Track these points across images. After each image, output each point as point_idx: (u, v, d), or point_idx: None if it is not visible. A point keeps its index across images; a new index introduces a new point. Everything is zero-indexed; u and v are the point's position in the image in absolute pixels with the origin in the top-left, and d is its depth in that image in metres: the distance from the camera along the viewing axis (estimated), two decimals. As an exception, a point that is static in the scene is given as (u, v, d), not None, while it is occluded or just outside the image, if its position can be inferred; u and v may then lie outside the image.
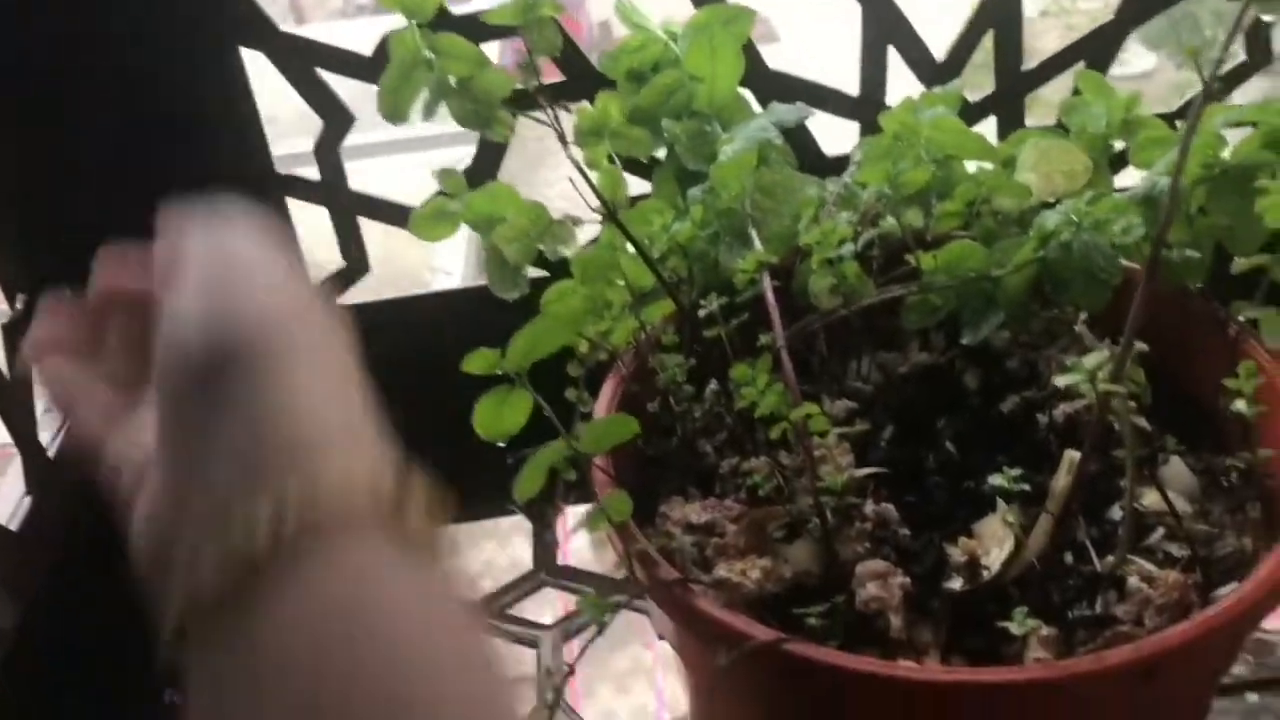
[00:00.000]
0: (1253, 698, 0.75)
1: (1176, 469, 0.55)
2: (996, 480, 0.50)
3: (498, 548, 0.99)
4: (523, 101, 0.56)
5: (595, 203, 0.59)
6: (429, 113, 0.53)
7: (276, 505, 0.33)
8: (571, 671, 0.52)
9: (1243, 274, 0.58)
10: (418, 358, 0.89)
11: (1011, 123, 0.88)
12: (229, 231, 0.40)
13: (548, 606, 0.90)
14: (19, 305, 0.77)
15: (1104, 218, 0.58)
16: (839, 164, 0.85)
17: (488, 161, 0.81)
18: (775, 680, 0.49)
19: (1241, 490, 0.55)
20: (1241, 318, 0.58)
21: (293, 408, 0.35)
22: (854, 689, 0.46)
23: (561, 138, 0.55)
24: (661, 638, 0.58)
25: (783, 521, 0.54)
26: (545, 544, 0.92)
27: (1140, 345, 0.48)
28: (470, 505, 0.97)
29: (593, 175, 0.59)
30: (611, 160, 0.62)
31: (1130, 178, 0.68)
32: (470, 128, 0.55)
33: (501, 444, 0.54)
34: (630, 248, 0.60)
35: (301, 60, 0.77)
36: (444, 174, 0.56)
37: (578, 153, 0.57)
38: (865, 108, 0.85)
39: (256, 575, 0.33)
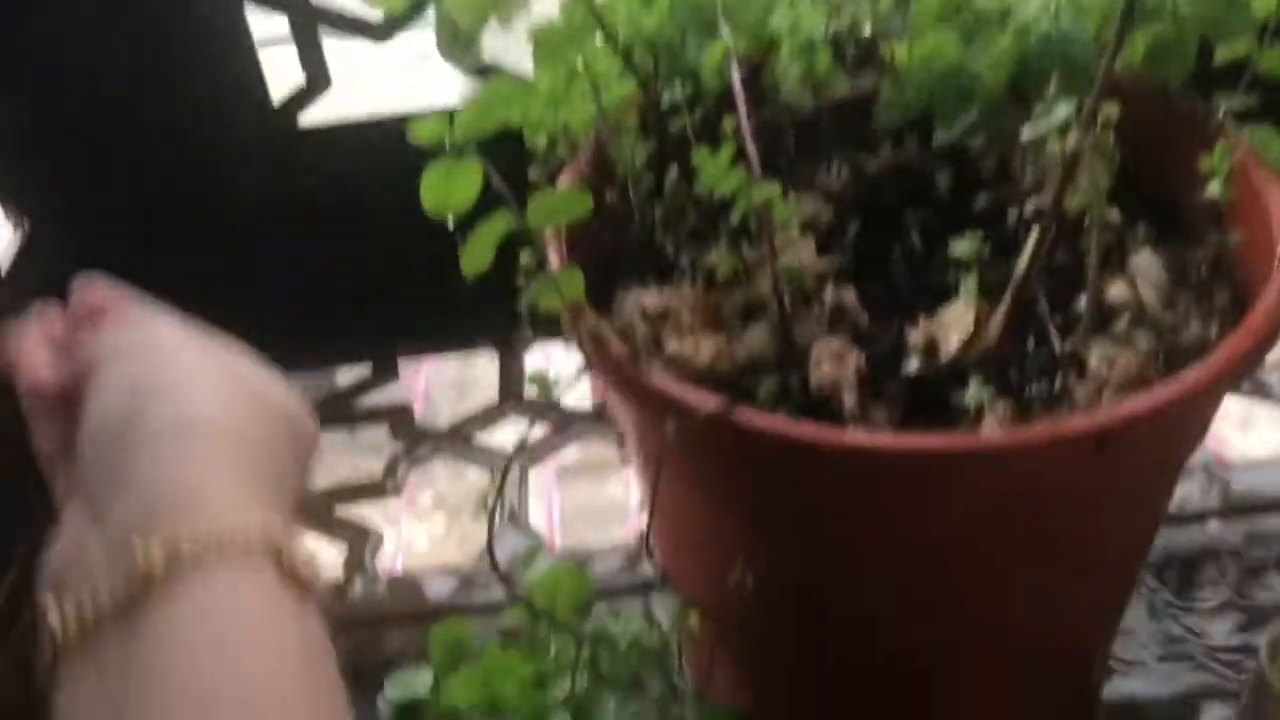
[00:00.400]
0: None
1: (1145, 260, 0.54)
2: (960, 248, 0.48)
3: (464, 380, 0.98)
4: None
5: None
6: None
7: (169, 541, 0.35)
8: (509, 467, 0.51)
9: (1224, 68, 0.56)
10: (384, 184, 0.87)
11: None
12: (153, 316, 0.45)
13: (513, 437, 0.89)
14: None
15: (1084, 5, 0.56)
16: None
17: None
18: (723, 453, 0.48)
19: (1210, 282, 0.53)
20: (1223, 111, 0.55)
21: (192, 459, 0.38)
22: (802, 459, 0.45)
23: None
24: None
25: (739, 304, 0.52)
26: (511, 375, 0.91)
27: (1111, 109, 0.46)
28: (439, 337, 0.97)
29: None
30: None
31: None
32: None
33: (450, 224, 0.53)
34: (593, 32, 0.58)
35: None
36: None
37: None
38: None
39: (145, 598, 0.35)
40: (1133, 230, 0.55)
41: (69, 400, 0.43)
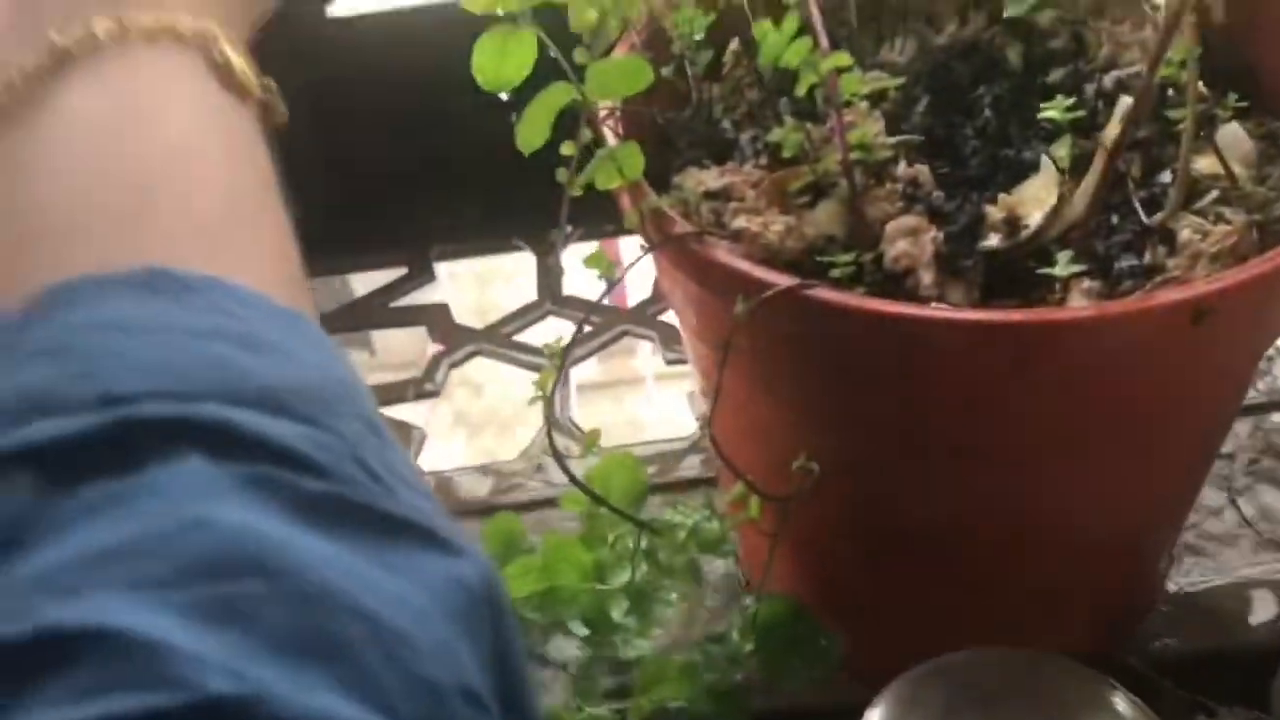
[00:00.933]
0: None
1: (1233, 133, 0.51)
2: (1049, 111, 0.46)
3: (503, 282, 0.96)
4: None
5: None
6: None
7: (88, 21, 0.31)
8: (563, 366, 0.49)
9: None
10: (416, 76, 0.84)
11: None
12: None
13: (552, 337, 0.87)
14: None
15: None
16: None
17: None
18: (796, 333, 0.46)
19: (1303, 154, 0.51)
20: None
21: None
22: (882, 336, 0.43)
23: None
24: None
25: (806, 181, 0.50)
26: (550, 273, 0.89)
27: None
28: (475, 236, 0.95)
29: None
30: None
31: None
32: None
33: (504, 96, 0.50)
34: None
35: None
36: None
37: None
38: None
39: (53, 77, 0.30)
40: (1217, 100, 0.52)
41: None
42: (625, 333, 0.85)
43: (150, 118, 0.31)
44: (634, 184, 0.49)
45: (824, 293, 0.44)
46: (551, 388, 0.50)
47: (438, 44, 0.77)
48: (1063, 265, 0.44)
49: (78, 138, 0.30)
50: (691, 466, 0.71)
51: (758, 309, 0.44)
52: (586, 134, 0.51)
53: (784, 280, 0.44)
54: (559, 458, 0.51)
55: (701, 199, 0.52)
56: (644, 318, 0.86)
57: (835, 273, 0.46)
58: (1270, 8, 0.54)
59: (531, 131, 0.49)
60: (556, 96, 0.48)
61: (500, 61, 0.49)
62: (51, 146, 0.30)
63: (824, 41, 0.50)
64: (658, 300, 0.86)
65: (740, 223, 0.48)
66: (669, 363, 0.84)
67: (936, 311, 0.43)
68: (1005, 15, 0.57)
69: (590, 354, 0.85)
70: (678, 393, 0.89)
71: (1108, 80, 0.54)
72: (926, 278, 0.47)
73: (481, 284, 0.98)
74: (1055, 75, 0.56)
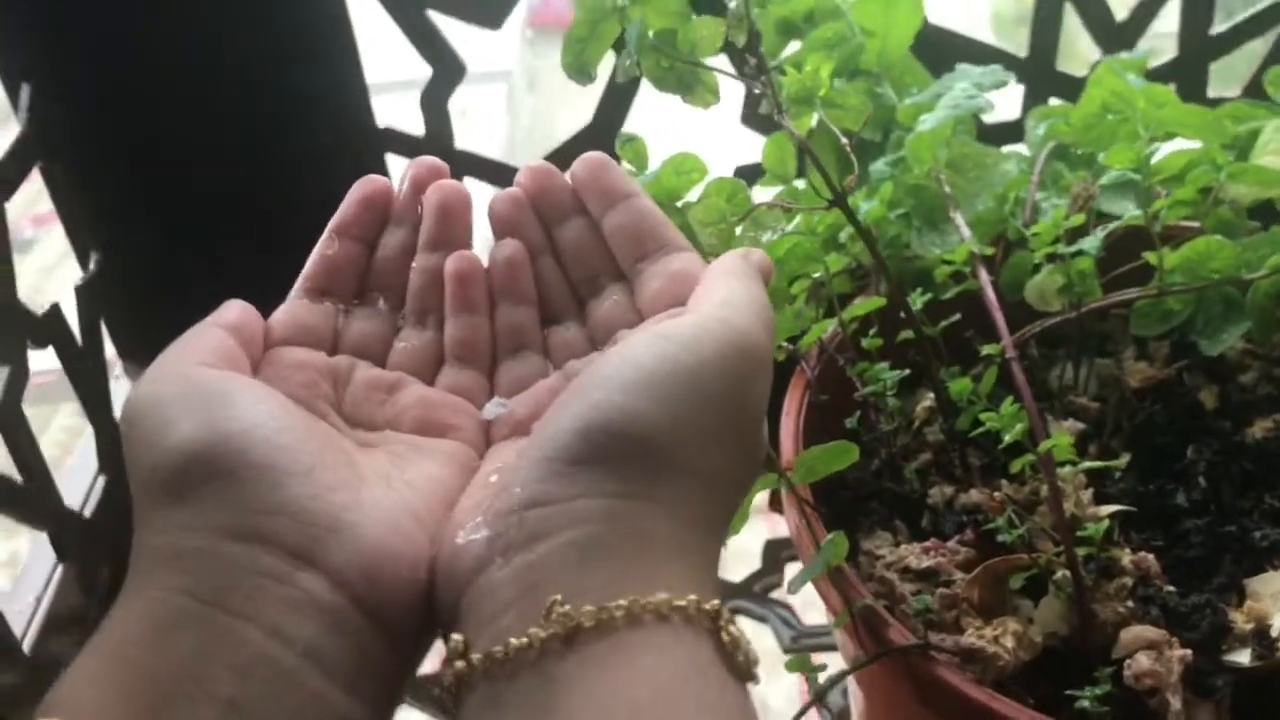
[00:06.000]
0: None
1: None
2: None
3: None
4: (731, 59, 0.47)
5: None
6: (626, 72, 0.44)
7: (604, 589, 0.31)
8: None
9: None
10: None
11: (1192, 94, 0.78)
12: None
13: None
14: (93, 266, 0.68)
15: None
16: (1001, 133, 0.76)
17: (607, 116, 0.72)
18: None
19: None
20: None
21: (653, 517, 0.33)
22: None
23: (778, 105, 0.46)
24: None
25: (1027, 573, 0.46)
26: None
27: None
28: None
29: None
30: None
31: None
32: (668, 91, 0.46)
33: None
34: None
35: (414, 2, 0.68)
36: (625, 141, 0.47)
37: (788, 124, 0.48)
38: (1033, 70, 0.76)
39: (567, 651, 0.30)
40: None
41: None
42: (735, 610, 0.80)
43: (676, 710, 0.29)
44: (839, 575, 0.45)
45: (1081, 741, 0.39)
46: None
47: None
48: (1352, 721, 0.40)
49: None
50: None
51: (999, 747, 0.40)
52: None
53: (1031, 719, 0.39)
54: None
55: (898, 576, 0.48)
56: (751, 594, 0.81)
57: (1084, 705, 0.41)
58: None
59: (738, 519, 0.44)
60: (763, 485, 0.44)
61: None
62: None
63: (1031, 405, 0.47)
64: (769, 573, 0.81)
65: (970, 639, 0.43)
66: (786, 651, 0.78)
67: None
68: (1203, 354, 0.53)
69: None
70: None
71: (1329, 446, 0.50)
72: (1175, 703, 0.42)
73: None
74: (1261, 428, 0.53)
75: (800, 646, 0.76)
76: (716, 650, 0.31)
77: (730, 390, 0.35)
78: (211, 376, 0.36)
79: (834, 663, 0.49)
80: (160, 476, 0.34)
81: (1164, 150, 0.59)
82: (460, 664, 0.31)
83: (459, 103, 0.71)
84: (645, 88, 0.68)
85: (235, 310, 0.41)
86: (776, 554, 0.82)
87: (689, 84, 0.46)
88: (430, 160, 0.44)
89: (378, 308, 0.43)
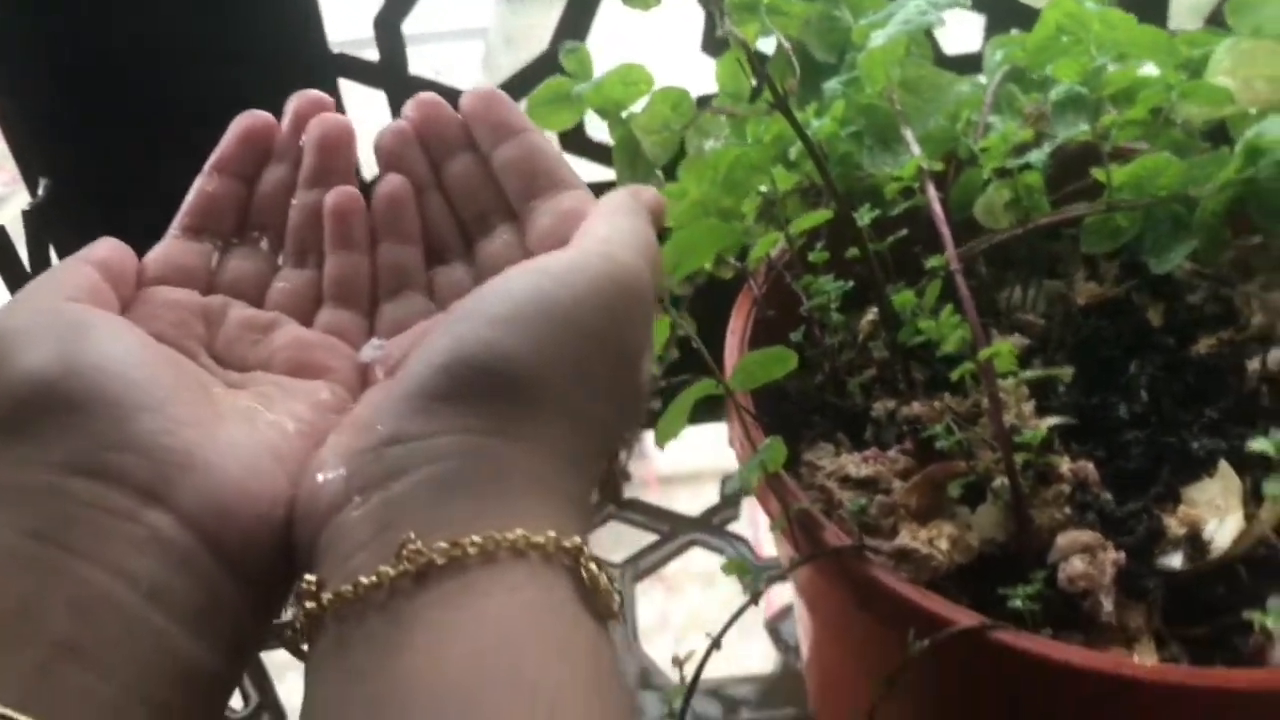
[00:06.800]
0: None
1: None
2: (1260, 446, 0.42)
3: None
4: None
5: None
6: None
7: (461, 526, 0.31)
8: (717, 646, 0.44)
9: None
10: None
11: (1154, 23, 0.78)
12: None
13: (616, 542, 0.82)
14: (41, 192, 0.67)
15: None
16: (962, 63, 0.76)
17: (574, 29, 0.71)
18: (973, 671, 0.41)
19: None
20: None
21: (516, 453, 0.33)
22: (1075, 685, 0.39)
23: (721, 10, 0.46)
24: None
25: (965, 480, 0.46)
26: (612, 477, 0.84)
27: None
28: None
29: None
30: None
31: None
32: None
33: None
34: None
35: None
36: (568, 49, 0.47)
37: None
38: (994, 1, 0.76)
39: (418, 590, 0.30)
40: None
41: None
42: (693, 542, 0.81)
43: (521, 658, 0.29)
44: (778, 480, 0.45)
45: (1009, 636, 0.39)
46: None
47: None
48: (1275, 617, 0.40)
49: (449, 674, 0.29)
50: None
51: (930, 645, 0.40)
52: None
53: (966, 618, 0.39)
54: None
55: (838, 485, 0.48)
56: (710, 526, 0.81)
57: (1015, 603, 0.41)
58: None
59: (671, 426, 0.44)
60: (698, 392, 0.44)
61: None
62: (422, 678, 0.29)
63: (974, 318, 0.46)
64: (726, 507, 0.82)
65: (905, 540, 0.43)
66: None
67: (1137, 669, 0.39)
68: (1151, 274, 0.53)
69: (657, 564, 0.80)
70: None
71: (1272, 360, 0.50)
72: (1107, 604, 0.42)
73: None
74: (1205, 345, 0.53)
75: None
76: (575, 588, 0.31)
77: (604, 327, 0.35)
78: (70, 309, 0.35)
79: (789, 596, 0.49)
80: (4, 407, 0.32)
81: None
82: (310, 604, 0.31)
83: (435, 61, 0.71)
84: (612, 22, 0.68)
85: (105, 247, 0.40)
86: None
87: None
88: (313, 93, 0.43)
89: (258, 246, 0.42)
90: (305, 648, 0.32)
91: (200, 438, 0.33)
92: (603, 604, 0.32)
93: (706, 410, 0.46)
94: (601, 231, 0.37)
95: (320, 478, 0.33)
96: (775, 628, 0.74)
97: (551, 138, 0.73)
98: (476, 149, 0.42)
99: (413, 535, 0.31)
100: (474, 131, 0.42)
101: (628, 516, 0.82)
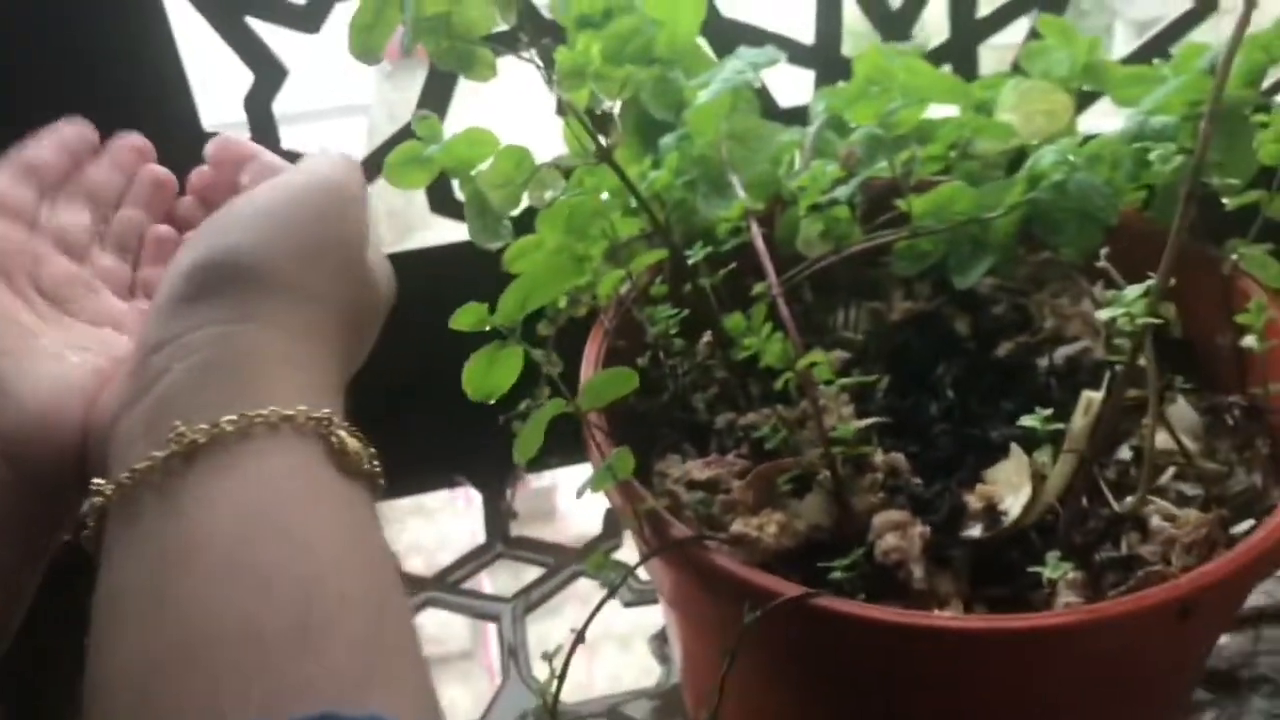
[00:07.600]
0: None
1: (1181, 409, 0.55)
2: (1029, 421, 0.49)
3: (449, 520, 0.95)
4: (504, 40, 0.52)
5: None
6: (408, 49, 0.49)
7: (219, 407, 0.36)
8: (581, 639, 0.49)
9: (1234, 211, 0.58)
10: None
11: (965, 71, 0.87)
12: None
13: (505, 579, 0.86)
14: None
15: (1098, 156, 0.58)
16: (795, 115, 0.83)
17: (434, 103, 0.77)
18: (802, 637, 0.47)
19: (1246, 427, 0.54)
20: (1235, 256, 0.57)
21: (261, 337, 0.38)
22: (888, 642, 0.45)
23: (549, 78, 0.52)
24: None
25: (791, 474, 0.52)
26: (499, 515, 0.89)
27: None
28: (419, 477, 0.94)
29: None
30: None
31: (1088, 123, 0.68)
32: (449, 68, 0.51)
33: (489, 403, 0.51)
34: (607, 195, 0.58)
35: (231, 8, 0.72)
36: (419, 117, 0.53)
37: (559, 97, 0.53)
38: (821, 57, 0.84)
39: (186, 468, 0.35)
40: (1168, 379, 0.55)
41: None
42: (577, 574, 0.85)
43: (281, 512, 0.34)
44: (628, 486, 0.50)
45: (828, 601, 0.45)
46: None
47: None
48: (1052, 567, 0.46)
49: (220, 531, 0.33)
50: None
51: (764, 616, 0.45)
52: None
53: (790, 589, 0.45)
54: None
55: (685, 489, 0.53)
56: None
57: (836, 576, 0.47)
58: (1191, 293, 0.58)
59: (528, 445, 0.50)
60: (550, 411, 0.49)
61: (488, 377, 0.50)
62: (197, 535, 0.33)
63: (795, 334, 0.53)
64: (609, 537, 0.87)
65: (738, 527, 0.49)
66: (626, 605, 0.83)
67: (940, 621, 0.45)
68: (957, 289, 0.60)
69: (545, 598, 0.85)
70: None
71: (1058, 357, 0.57)
72: (917, 571, 0.48)
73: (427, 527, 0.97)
74: (1005, 348, 0.60)
75: (638, 600, 0.81)
76: (327, 453, 0.36)
77: (321, 218, 0.42)
78: None
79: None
80: None
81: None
82: (98, 499, 0.36)
83: (319, 138, 0.76)
84: (473, 89, 0.74)
85: None
86: (616, 521, 0.87)
87: (467, 60, 0.52)
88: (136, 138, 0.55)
89: (83, 209, 0.50)
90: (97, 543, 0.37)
91: (12, 369, 0.39)
92: (353, 464, 0.37)
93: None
94: (305, 163, 0.46)
95: (104, 398, 0.39)
96: (660, 645, 0.79)
97: (420, 198, 0.79)
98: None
99: (178, 423, 0.35)
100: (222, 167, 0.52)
101: (515, 553, 0.86)
